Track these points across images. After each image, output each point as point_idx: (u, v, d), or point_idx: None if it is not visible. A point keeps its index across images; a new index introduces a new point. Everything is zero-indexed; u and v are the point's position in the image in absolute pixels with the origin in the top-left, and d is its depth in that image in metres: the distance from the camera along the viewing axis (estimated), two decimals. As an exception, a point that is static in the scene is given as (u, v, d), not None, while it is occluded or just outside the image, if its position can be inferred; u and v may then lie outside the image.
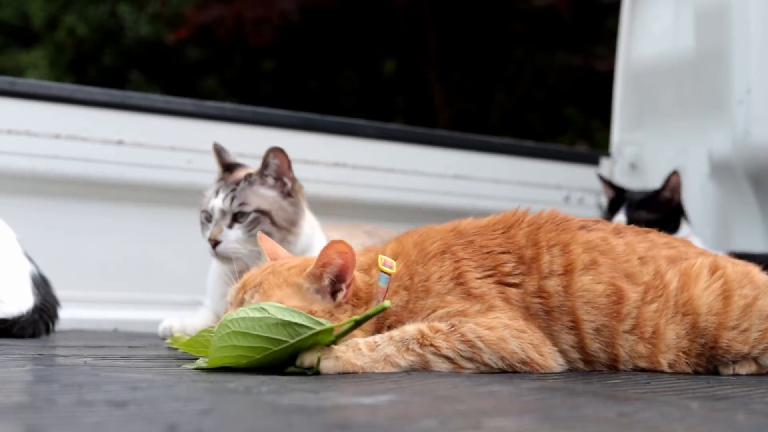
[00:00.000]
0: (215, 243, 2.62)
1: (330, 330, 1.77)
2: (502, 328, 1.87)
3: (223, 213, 2.66)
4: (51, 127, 3.36)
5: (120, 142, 3.45)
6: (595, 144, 10.08)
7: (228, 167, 2.80)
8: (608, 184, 3.66)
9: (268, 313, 1.76)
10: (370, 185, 3.80)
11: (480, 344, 1.85)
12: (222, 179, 2.76)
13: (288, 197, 2.71)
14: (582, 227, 2.06)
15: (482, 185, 4.03)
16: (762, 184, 3.80)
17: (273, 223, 2.66)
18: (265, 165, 2.71)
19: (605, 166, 4.29)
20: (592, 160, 4.34)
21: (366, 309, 1.89)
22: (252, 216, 2.64)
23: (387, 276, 1.95)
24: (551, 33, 10.57)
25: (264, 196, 2.68)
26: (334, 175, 3.71)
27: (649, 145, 4.28)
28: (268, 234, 2.64)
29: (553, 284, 1.97)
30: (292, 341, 1.74)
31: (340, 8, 10.46)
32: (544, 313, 1.96)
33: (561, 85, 11.12)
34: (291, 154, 2.76)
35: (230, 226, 2.64)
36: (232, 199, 2.66)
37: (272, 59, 11.35)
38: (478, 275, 1.96)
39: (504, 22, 10.68)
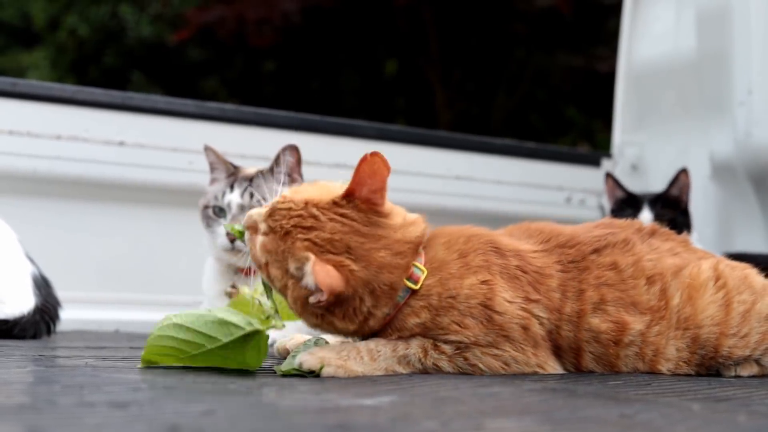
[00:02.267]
0: (234, 237, 2.63)
1: (261, 332, 1.78)
2: (509, 358, 1.87)
3: (242, 208, 2.67)
4: (52, 128, 3.36)
5: (121, 143, 3.45)
6: (597, 145, 10.08)
7: (234, 166, 2.81)
8: (618, 184, 3.56)
9: (211, 312, 1.79)
10: (371, 186, 3.79)
11: (483, 367, 1.86)
12: (231, 175, 2.76)
13: None
14: (595, 251, 2.01)
15: (484, 186, 4.03)
16: (763, 185, 3.80)
17: None
18: (278, 161, 2.72)
19: (606, 167, 4.29)
20: (593, 161, 4.34)
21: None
22: None
23: (408, 290, 1.84)
24: (553, 34, 10.57)
25: (278, 192, 2.70)
26: (334, 177, 3.68)
27: (651, 146, 4.28)
28: None
29: (566, 329, 1.94)
30: (224, 341, 1.76)
31: (341, 9, 10.46)
32: (554, 347, 1.95)
33: (562, 86, 11.12)
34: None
35: None
36: (251, 194, 2.67)
37: (273, 60, 11.36)
38: (509, 298, 1.87)
39: (505, 23, 10.67)
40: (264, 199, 2.66)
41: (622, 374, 1.95)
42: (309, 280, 1.73)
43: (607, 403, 1.48)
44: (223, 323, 1.76)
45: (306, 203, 1.84)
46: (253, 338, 1.77)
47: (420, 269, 1.85)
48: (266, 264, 1.81)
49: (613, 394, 1.61)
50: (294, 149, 2.72)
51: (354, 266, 1.78)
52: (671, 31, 4.21)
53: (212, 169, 2.82)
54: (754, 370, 2.04)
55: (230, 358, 1.78)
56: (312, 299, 1.75)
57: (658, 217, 3.38)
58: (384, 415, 1.29)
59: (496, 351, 1.86)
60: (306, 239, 1.78)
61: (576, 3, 9.93)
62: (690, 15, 4.05)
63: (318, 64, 10.91)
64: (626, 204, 3.49)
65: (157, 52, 11.00)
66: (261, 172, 2.73)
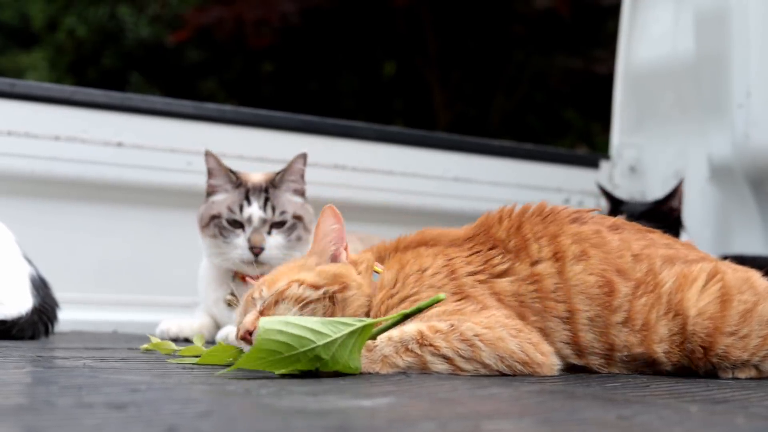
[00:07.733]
0: (260, 250, 2.64)
1: (371, 325, 1.79)
2: (500, 328, 1.86)
3: (263, 221, 2.68)
4: (51, 129, 3.36)
5: (120, 144, 3.45)
6: (595, 147, 10.09)
7: (234, 172, 2.79)
8: (606, 193, 3.60)
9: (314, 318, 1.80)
10: (369, 188, 3.80)
11: (479, 343, 1.84)
12: (239, 185, 2.74)
13: (305, 200, 2.75)
14: (574, 219, 2.05)
15: (482, 188, 4.03)
16: (761, 187, 3.80)
17: (305, 227, 2.72)
18: (290, 170, 2.75)
19: (605, 169, 4.29)
20: (591, 163, 4.34)
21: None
22: (290, 222, 2.70)
23: (377, 274, 2.01)
24: (551, 36, 10.58)
25: (294, 202, 2.74)
26: (333, 178, 3.71)
27: (649, 148, 4.28)
28: (298, 239, 2.68)
29: (544, 267, 1.97)
30: (334, 336, 1.72)
31: (340, 10, 10.46)
32: (539, 301, 1.95)
33: (561, 87, 11.12)
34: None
35: (269, 233, 2.68)
36: (273, 207, 2.69)
37: (272, 61, 11.36)
38: (470, 270, 1.97)
39: (504, 25, 10.68)
40: (284, 211, 2.68)
41: (620, 376, 1.95)
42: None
43: (605, 404, 1.48)
44: (330, 322, 1.75)
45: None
46: (358, 336, 1.75)
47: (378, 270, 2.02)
48: None
49: (611, 395, 1.61)
50: (305, 158, 2.76)
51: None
52: (670, 33, 4.21)
53: (211, 174, 2.78)
54: (752, 373, 2.04)
55: (336, 358, 1.73)
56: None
57: None
58: (382, 417, 1.29)
59: (485, 320, 1.86)
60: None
61: (574, 5, 9.94)
62: (688, 17, 4.05)
63: (316, 66, 10.92)
64: (611, 215, 3.46)
65: (155, 53, 11.00)
66: (271, 182, 2.73)
